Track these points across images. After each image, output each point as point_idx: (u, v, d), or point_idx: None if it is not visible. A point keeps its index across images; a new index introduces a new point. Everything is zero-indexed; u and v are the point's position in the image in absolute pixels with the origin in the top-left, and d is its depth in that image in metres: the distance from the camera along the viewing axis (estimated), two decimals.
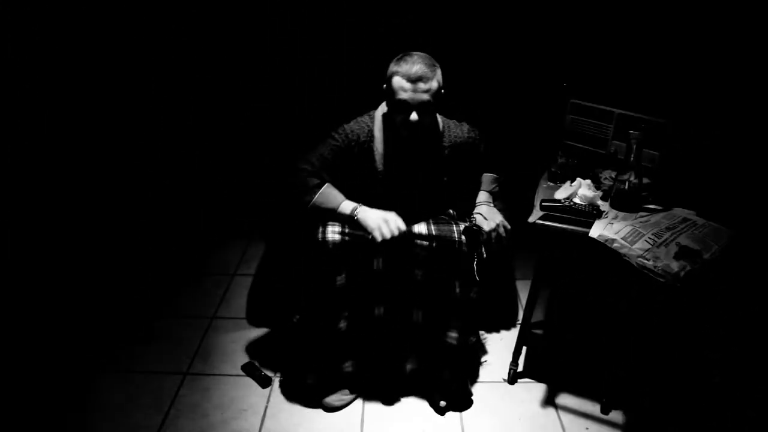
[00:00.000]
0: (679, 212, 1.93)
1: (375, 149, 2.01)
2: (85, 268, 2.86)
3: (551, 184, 2.14)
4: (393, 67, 1.87)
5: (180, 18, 2.99)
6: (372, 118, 2.03)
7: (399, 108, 1.87)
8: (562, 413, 2.12)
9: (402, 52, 1.90)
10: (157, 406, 2.11)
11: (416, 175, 2.05)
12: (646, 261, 1.73)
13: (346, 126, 2.03)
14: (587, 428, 2.05)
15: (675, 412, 2.09)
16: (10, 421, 2.06)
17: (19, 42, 2.64)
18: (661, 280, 1.69)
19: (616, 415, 2.10)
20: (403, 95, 1.84)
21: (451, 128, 2.08)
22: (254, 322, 2.54)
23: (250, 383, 2.23)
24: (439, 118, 2.08)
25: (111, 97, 3.09)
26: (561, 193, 2.01)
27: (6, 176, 2.67)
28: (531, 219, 1.91)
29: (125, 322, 2.53)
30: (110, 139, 3.15)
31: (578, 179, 2.04)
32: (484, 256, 2.01)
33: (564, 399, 2.18)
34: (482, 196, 2.08)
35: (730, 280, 1.84)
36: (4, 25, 2.55)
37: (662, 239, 1.78)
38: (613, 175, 2.03)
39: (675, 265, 1.70)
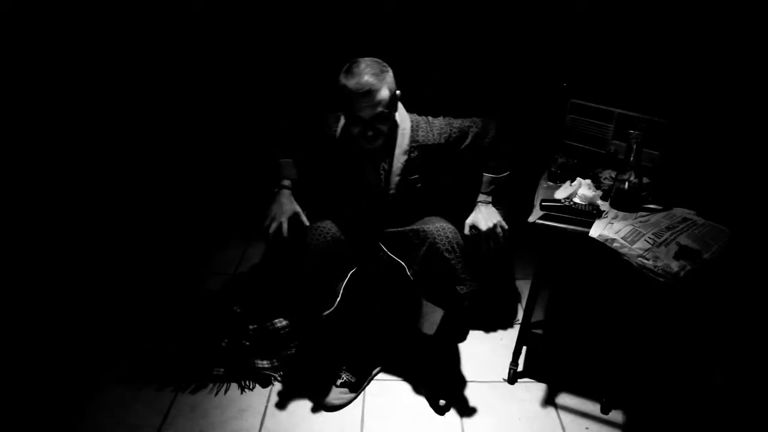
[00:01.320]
0: (679, 212, 1.93)
1: (337, 146, 2.02)
2: (89, 266, 2.86)
3: (551, 183, 2.14)
4: (342, 80, 1.83)
5: (192, 19, 3.00)
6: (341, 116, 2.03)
7: (353, 122, 1.87)
8: (562, 413, 2.12)
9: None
10: (157, 406, 2.12)
11: (379, 177, 2.03)
12: (645, 261, 1.73)
13: (328, 115, 2.07)
14: (587, 428, 2.05)
15: (675, 412, 2.09)
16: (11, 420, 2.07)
17: (20, 41, 2.64)
18: (660, 279, 1.69)
19: (616, 415, 2.10)
20: (355, 111, 1.83)
21: (420, 127, 2.03)
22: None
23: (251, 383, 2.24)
24: (409, 117, 2.04)
25: (113, 97, 3.10)
26: (561, 193, 2.01)
27: (9, 178, 2.68)
28: (531, 219, 1.91)
29: (129, 319, 2.54)
30: (111, 141, 3.16)
31: (578, 179, 2.04)
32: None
33: (564, 399, 2.18)
34: (480, 197, 2.08)
35: (730, 279, 1.84)
36: (4, 24, 2.56)
37: (662, 239, 1.78)
38: (613, 175, 2.03)
39: (675, 265, 1.69)
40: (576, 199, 1.96)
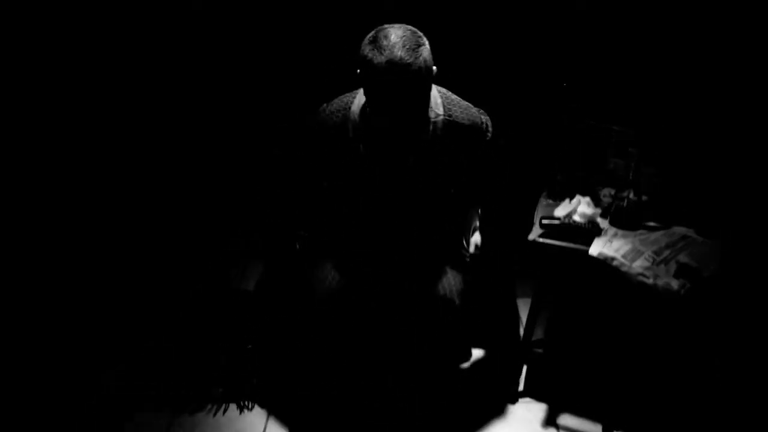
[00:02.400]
0: (679, 230, 1.93)
1: (351, 137, 1.65)
2: (89, 266, 2.85)
3: (551, 201, 2.14)
4: (366, 52, 1.44)
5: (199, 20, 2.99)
6: (353, 98, 1.68)
7: (378, 110, 1.50)
8: None
9: (375, 26, 1.51)
10: (156, 428, 2.10)
11: (405, 159, 1.66)
12: (646, 279, 1.72)
13: (325, 107, 1.72)
14: None
15: None
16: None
17: (19, 41, 2.63)
18: (661, 298, 1.69)
19: None
20: (382, 98, 1.47)
21: (452, 104, 1.68)
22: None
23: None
24: (437, 92, 1.68)
25: (113, 98, 3.06)
26: (560, 211, 2.01)
27: (11, 177, 2.68)
28: (531, 236, 1.91)
29: (129, 319, 2.54)
30: (110, 140, 3.10)
31: (577, 196, 2.04)
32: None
33: (565, 419, 2.15)
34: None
35: (729, 297, 1.83)
36: (4, 24, 2.55)
37: (662, 257, 1.77)
38: (613, 193, 2.03)
39: (675, 284, 1.69)
40: (576, 217, 1.96)
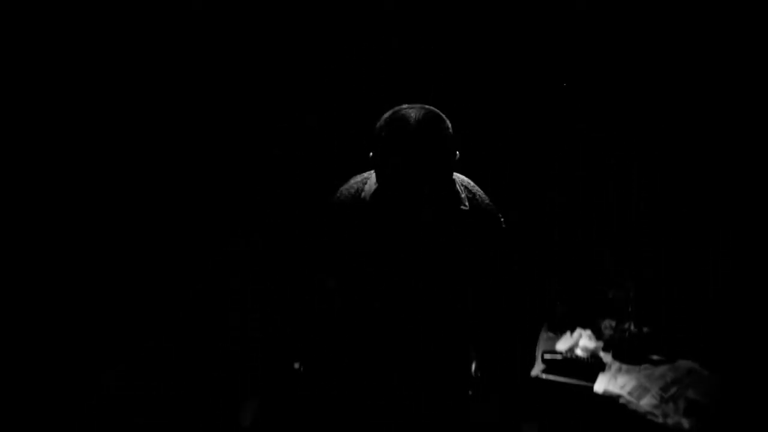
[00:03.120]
0: (684, 364, 1.90)
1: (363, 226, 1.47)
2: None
3: (552, 334, 2.13)
4: (384, 136, 1.26)
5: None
6: (365, 182, 1.51)
7: (393, 196, 1.34)
8: None
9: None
10: None
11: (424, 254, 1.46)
12: (655, 418, 1.67)
13: (342, 189, 1.55)
14: None
15: None
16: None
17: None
18: None
19: None
20: (397, 185, 1.30)
21: (475, 189, 1.51)
22: None
23: None
24: (461, 178, 1.51)
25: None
26: (562, 345, 1.99)
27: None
28: (533, 372, 1.88)
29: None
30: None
31: (578, 329, 2.03)
32: None
33: None
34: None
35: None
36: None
37: (669, 393, 1.74)
38: (613, 324, 2.02)
39: (685, 422, 1.64)
40: (578, 351, 1.94)
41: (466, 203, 1.44)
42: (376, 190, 1.43)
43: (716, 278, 2.11)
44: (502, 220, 1.57)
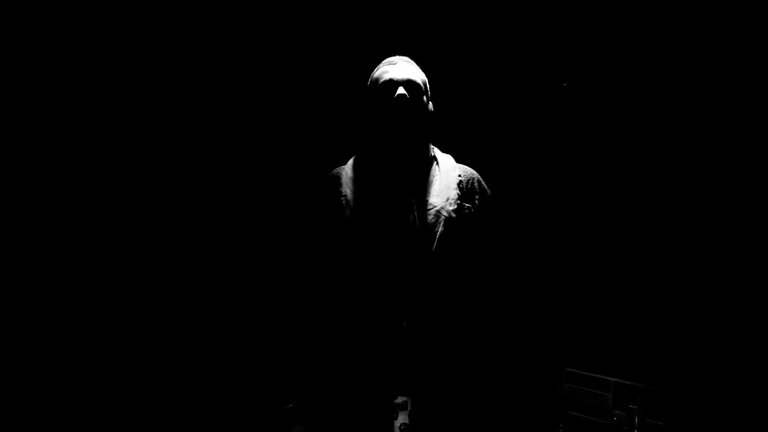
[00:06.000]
0: None
1: (343, 192, 1.59)
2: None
3: None
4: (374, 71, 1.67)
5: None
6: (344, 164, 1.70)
7: (380, 91, 1.58)
8: None
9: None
10: None
11: (408, 205, 1.54)
12: None
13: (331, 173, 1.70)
14: None
15: None
16: None
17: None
18: None
19: None
20: (386, 76, 1.58)
21: (447, 156, 1.69)
22: None
23: None
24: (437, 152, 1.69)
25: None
26: None
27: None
28: None
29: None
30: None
31: None
32: None
33: None
34: None
35: None
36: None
37: None
38: None
39: None
40: None
41: (439, 167, 1.61)
42: (356, 157, 1.67)
43: None
44: (481, 181, 1.64)
